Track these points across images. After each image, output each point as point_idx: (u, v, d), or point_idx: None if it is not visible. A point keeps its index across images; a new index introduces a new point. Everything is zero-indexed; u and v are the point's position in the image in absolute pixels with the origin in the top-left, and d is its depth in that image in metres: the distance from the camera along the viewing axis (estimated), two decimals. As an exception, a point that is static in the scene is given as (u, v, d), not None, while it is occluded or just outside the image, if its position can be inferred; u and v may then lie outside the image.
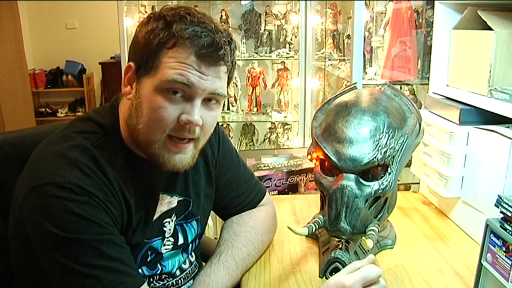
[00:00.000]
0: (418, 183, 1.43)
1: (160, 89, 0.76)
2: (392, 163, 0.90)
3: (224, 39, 0.77)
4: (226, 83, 0.82)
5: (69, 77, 4.73)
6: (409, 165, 1.35)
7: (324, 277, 0.94)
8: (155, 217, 0.89)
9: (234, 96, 2.88)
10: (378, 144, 0.88)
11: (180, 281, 0.95)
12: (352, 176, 0.87)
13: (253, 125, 3.01)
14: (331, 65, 2.38)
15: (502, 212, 0.76)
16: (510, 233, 0.73)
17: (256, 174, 1.45)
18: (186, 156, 0.81)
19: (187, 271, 0.97)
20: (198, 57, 0.75)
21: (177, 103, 0.76)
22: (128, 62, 0.81)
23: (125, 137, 0.83)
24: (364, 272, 0.79)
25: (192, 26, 0.75)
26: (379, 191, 0.88)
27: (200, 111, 0.78)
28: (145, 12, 2.71)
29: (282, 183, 1.51)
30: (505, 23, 1.10)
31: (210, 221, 1.64)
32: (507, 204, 0.75)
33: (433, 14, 1.44)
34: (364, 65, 1.94)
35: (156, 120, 0.76)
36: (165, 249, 0.91)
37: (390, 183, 0.89)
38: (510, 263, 0.73)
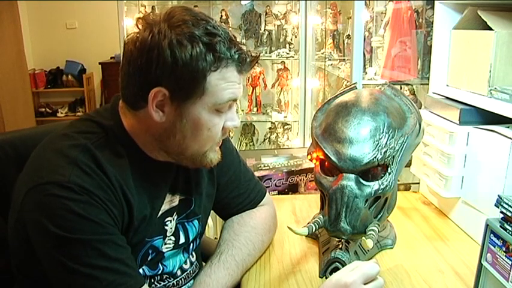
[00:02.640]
0: (418, 183, 1.43)
1: (215, 109, 0.80)
2: (392, 163, 0.90)
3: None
4: None
5: (69, 77, 4.73)
6: (409, 165, 1.35)
7: (324, 277, 0.94)
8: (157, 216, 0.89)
9: (234, 96, 2.88)
10: (378, 144, 0.88)
11: (180, 281, 0.95)
12: (352, 176, 0.87)
13: (253, 125, 3.01)
14: (331, 65, 2.39)
15: (502, 212, 0.76)
16: (510, 233, 0.74)
17: (256, 174, 1.45)
18: (219, 153, 0.89)
19: (188, 271, 0.97)
20: (240, 72, 0.81)
21: (224, 115, 0.83)
22: (154, 86, 0.76)
23: (142, 146, 0.84)
24: (365, 269, 0.80)
25: (231, 44, 0.78)
26: (379, 191, 0.88)
27: None
28: (146, 12, 2.71)
29: (282, 183, 1.51)
30: (505, 23, 1.10)
31: (210, 221, 1.64)
32: (507, 204, 0.75)
33: (433, 14, 1.44)
34: (364, 65, 1.94)
35: (210, 136, 0.83)
36: (166, 248, 0.91)
37: (390, 183, 0.89)
38: (510, 263, 0.73)
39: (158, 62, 0.74)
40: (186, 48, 0.74)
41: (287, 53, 2.77)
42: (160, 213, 0.89)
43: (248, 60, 0.81)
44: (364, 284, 0.79)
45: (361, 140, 0.88)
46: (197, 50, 0.74)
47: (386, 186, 0.89)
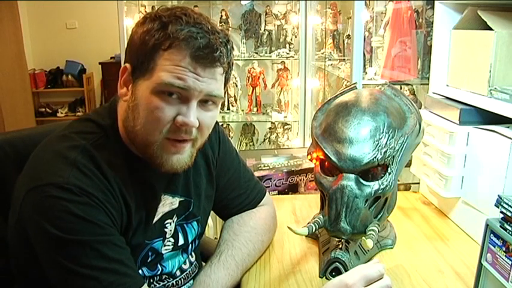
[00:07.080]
0: (418, 183, 1.43)
1: (157, 91, 0.76)
2: (392, 163, 0.90)
3: (220, 40, 0.77)
4: (222, 84, 0.82)
5: (69, 77, 4.73)
6: (409, 165, 1.35)
7: (324, 277, 0.94)
8: (157, 218, 0.88)
9: (234, 96, 2.88)
10: (378, 144, 0.88)
11: (180, 281, 0.95)
12: (352, 176, 0.87)
13: (253, 125, 3.01)
14: (331, 65, 2.39)
15: (502, 212, 0.76)
16: (510, 233, 0.73)
17: (256, 174, 1.45)
18: (183, 157, 0.81)
19: (188, 271, 0.97)
20: (194, 59, 0.75)
21: (173, 104, 0.76)
22: (124, 63, 0.81)
23: (123, 138, 0.84)
24: (365, 270, 0.80)
25: (188, 26, 0.75)
26: (379, 191, 0.88)
27: (197, 112, 0.78)
28: (146, 12, 2.72)
29: (282, 183, 1.51)
30: (505, 23, 1.10)
31: (210, 221, 1.64)
32: (507, 204, 0.75)
33: (433, 14, 1.44)
34: (364, 65, 1.94)
35: (152, 121, 0.77)
36: (166, 249, 0.91)
37: (390, 183, 0.89)
38: (510, 263, 0.73)
39: (128, 41, 0.80)
40: (145, 25, 0.77)
41: (287, 53, 2.77)
42: (160, 215, 0.89)
43: (202, 46, 0.74)
44: (367, 285, 0.79)
45: (361, 140, 0.88)
46: (150, 26, 0.76)
47: (387, 186, 0.89)
